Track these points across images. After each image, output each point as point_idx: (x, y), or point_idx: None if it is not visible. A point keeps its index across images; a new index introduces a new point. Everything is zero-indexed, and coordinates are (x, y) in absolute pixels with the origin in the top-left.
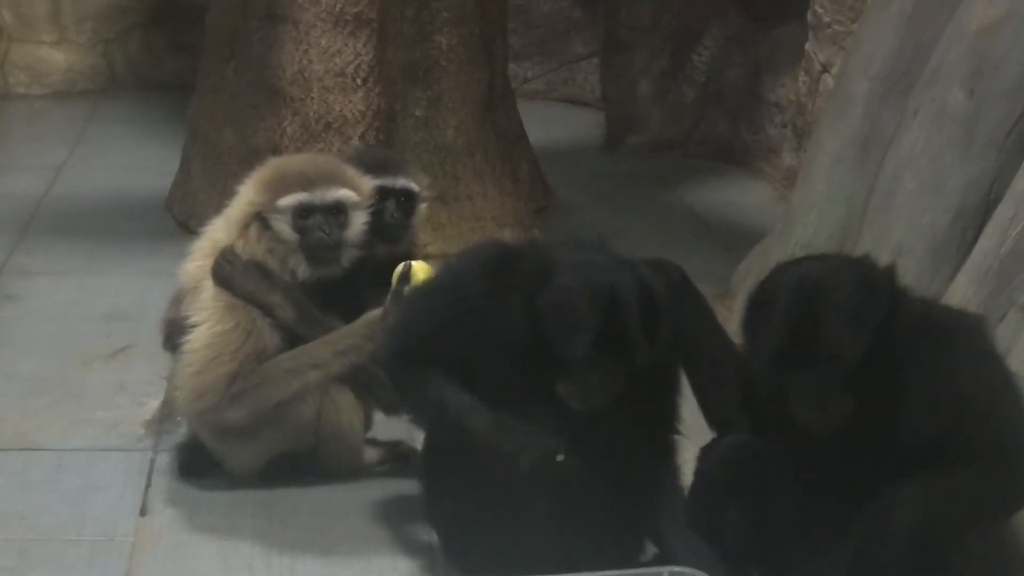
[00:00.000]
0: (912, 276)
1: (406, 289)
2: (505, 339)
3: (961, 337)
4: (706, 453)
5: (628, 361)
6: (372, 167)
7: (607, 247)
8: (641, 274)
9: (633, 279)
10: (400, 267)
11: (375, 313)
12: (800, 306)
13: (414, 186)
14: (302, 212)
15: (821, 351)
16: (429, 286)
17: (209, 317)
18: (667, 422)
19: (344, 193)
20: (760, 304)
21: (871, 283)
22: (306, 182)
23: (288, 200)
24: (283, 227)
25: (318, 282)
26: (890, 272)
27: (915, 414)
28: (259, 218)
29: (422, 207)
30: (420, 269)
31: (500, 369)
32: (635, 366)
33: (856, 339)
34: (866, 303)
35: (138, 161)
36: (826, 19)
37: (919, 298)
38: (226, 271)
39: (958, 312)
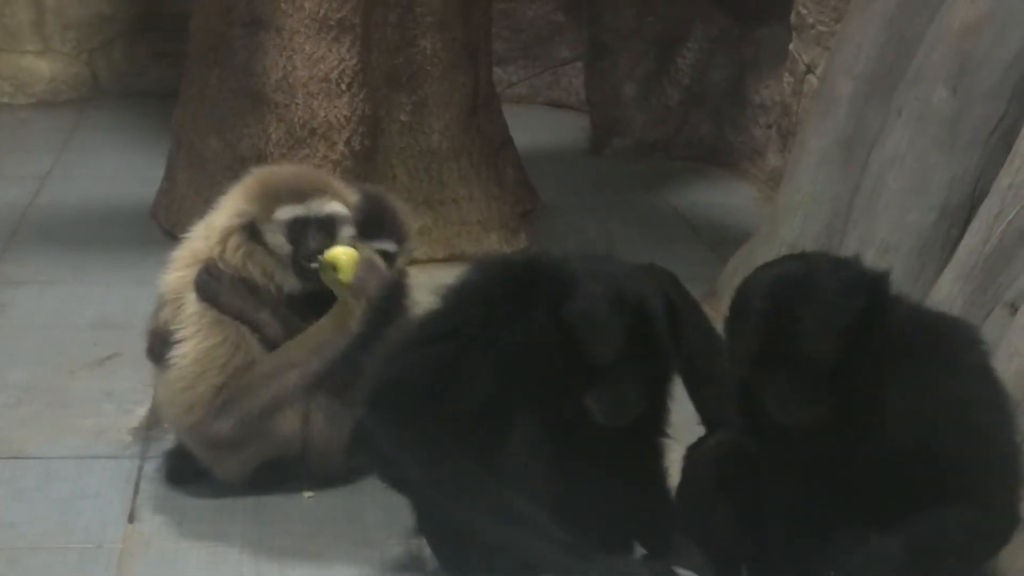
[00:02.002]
0: (898, 275)
1: (339, 277)
2: (525, 360)
3: (951, 349)
4: (693, 452)
5: (655, 367)
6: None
7: (615, 256)
8: (657, 279)
9: (653, 285)
10: (319, 264)
11: (339, 306)
12: (776, 308)
13: (392, 248)
14: (297, 225)
15: (796, 354)
16: (441, 314)
17: (196, 332)
18: (658, 425)
19: (336, 207)
20: (739, 305)
21: (850, 286)
22: (300, 195)
23: (285, 213)
24: (277, 238)
25: (301, 294)
26: (878, 276)
27: (896, 424)
28: (248, 229)
29: (401, 261)
30: (340, 253)
31: (517, 392)
32: (660, 373)
33: (831, 343)
34: (843, 307)
35: (123, 169)
36: (810, 20)
37: (912, 304)
38: (212, 287)
39: (951, 320)
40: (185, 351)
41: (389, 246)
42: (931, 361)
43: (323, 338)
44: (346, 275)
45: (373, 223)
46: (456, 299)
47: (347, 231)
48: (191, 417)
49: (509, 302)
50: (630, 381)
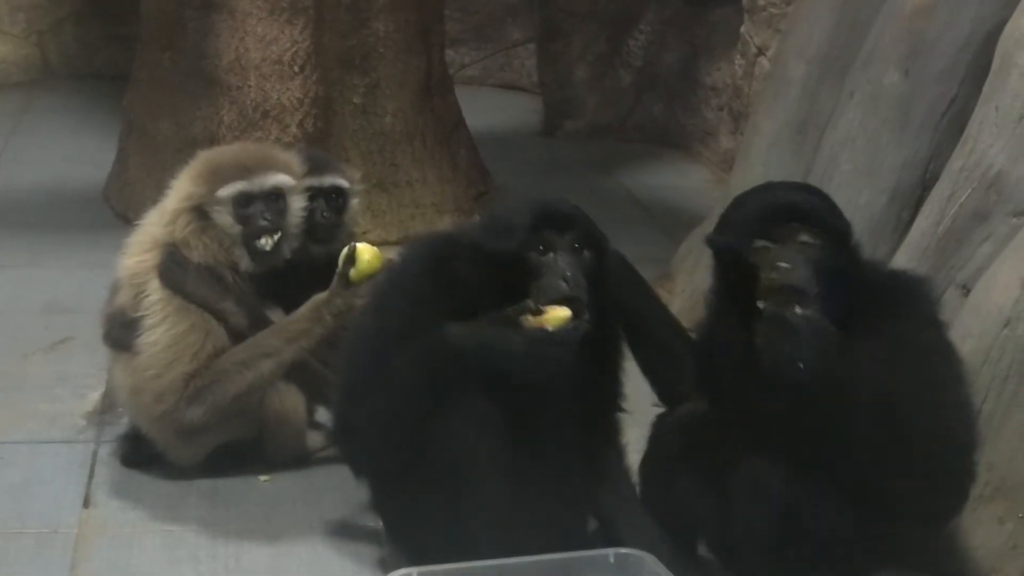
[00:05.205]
0: None
1: (352, 272)
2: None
3: (908, 304)
4: (661, 421)
5: (579, 247)
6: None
7: None
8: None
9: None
10: (346, 249)
11: (321, 296)
12: (784, 188)
13: (344, 183)
14: (242, 201)
15: (808, 218)
16: (381, 310)
17: (163, 320)
18: (611, 399)
19: (281, 178)
20: (737, 202)
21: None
22: (243, 171)
23: (228, 190)
24: (224, 218)
25: (262, 274)
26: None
27: (858, 381)
28: (198, 211)
29: (354, 203)
30: (365, 250)
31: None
32: (589, 251)
33: (842, 219)
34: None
35: (74, 152)
36: (761, 2)
37: (868, 259)
38: (176, 275)
39: (907, 274)
40: (154, 339)
41: (342, 181)
42: (890, 312)
43: (300, 327)
44: (359, 273)
45: (322, 163)
46: (391, 291)
47: (297, 202)
48: (161, 406)
49: (441, 276)
50: (561, 264)
